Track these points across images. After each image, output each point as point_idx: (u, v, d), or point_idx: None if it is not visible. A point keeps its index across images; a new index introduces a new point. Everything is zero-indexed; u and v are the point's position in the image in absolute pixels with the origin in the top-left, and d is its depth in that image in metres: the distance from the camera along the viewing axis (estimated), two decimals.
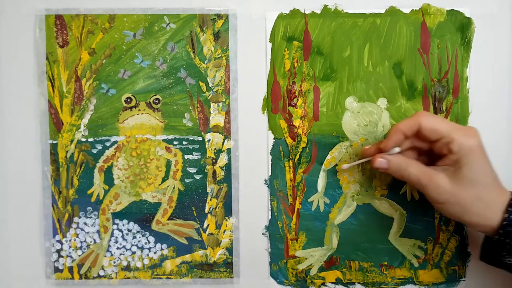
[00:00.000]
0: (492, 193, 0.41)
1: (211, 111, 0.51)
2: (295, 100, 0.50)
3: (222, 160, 0.51)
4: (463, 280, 0.51)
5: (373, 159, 0.44)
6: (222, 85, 0.51)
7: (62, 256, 0.52)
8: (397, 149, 0.43)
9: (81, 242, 0.52)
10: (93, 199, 0.51)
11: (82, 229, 0.52)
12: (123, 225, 0.52)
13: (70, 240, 0.52)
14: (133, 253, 0.52)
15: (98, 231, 0.52)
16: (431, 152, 0.44)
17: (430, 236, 0.51)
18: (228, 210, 0.51)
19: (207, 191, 0.51)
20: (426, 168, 0.42)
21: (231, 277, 0.52)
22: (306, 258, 0.51)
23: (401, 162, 0.43)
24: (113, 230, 0.52)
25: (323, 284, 0.51)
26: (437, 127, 0.41)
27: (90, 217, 0.52)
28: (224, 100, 0.51)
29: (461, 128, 0.41)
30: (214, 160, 0.51)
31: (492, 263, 0.43)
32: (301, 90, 0.50)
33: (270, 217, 0.51)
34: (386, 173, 0.50)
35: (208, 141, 0.51)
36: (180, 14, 0.50)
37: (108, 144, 0.51)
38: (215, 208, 0.51)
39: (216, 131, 0.51)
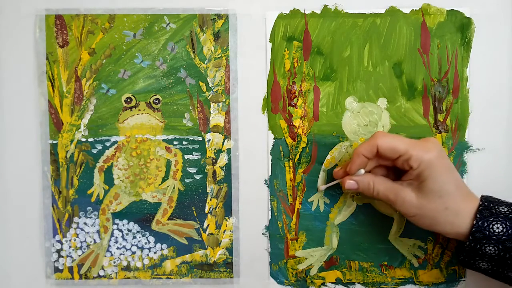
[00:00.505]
0: (458, 202, 0.42)
1: (211, 111, 0.51)
2: (295, 100, 0.50)
3: (222, 160, 0.51)
4: (463, 280, 0.51)
5: (343, 182, 0.46)
6: (222, 85, 0.51)
7: (62, 256, 0.52)
8: (362, 171, 0.45)
9: (81, 242, 0.52)
10: (93, 199, 0.51)
11: (82, 229, 0.52)
12: (123, 225, 0.52)
13: (70, 240, 0.52)
14: (133, 253, 0.52)
15: (98, 231, 0.52)
16: (396, 168, 0.45)
17: (430, 236, 0.51)
18: (228, 210, 0.51)
19: (207, 191, 0.51)
20: (392, 184, 0.44)
21: (231, 277, 0.52)
22: (306, 258, 0.51)
23: (369, 182, 0.45)
24: (113, 230, 0.52)
25: (323, 284, 0.51)
26: (394, 146, 0.42)
27: (90, 217, 0.52)
28: (224, 100, 0.51)
29: (418, 143, 0.42)
30: (214, 160, 0.51)
31: (468, 267, 0.44)
32: (301, 90, 0.50)
33: (270, 217, 0.51)
34: None
35: (208, 141, 0.51)
36: (180, 14, 0.50)
37: (108, 144, 0.51)
38: (215, 208, 0.51)
39: (216, 131, 0.51)
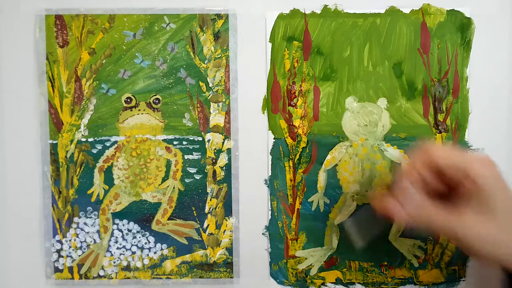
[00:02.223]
0: None
1: (211, 111, 0.51)
2: (295, 100, 0.50)
3: (222, 160, 0.51)
4: (463, 280, 0.51)
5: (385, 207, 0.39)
6: (222, 85, 0.51)
7: (62, 256, 0.52)
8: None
9: (81, 242, 0.52)
10: (93, 199, 0.51)
11: (82, 229, 0.52)
12: (123, 225, 0.52)
13: (70, 240, 0.52)
14: (133, 253, 0.52)
15: (98, 231, 0.52)
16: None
17: (430, 236, 0.51)
18: (228, 210, 0.51)
19: (207, 191, 0.51)
20: (451, 217, 0.37)
21: (231, 277, 0.52)
22: (306, 258, 0.51)
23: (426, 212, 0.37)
24: (113, 230, 0.52)
25: (323, 284, 0.51)
26: (453, 159, 0.36)
27: (90, 217, 0.52)
28: (224, 100, 0.51)
29: (476, 159, 0.37)
30: (214, 160, 0.51)
31: None
32: (301, 90, 0.50)
33: (270, 217, 0.51)
34: (386, 174, 0.50)
35: (208, 141, 0.51)
36: (180, 14, 0.50)
37: (108, 144, 0.51)
38: (215, 208, 0.51)
39: (216, 131, 0.51)
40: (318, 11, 0.50)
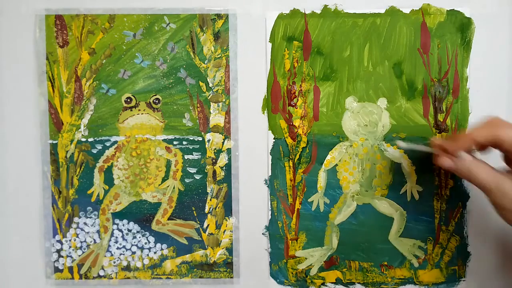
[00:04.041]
0: None
1: (211, 111, 0.51)
2: (295, 100, 0.50)
3: (222, 160, 0.51)
4: (463, 280, 0.51)
5: (438, 157, 0.43)
6: (222, 85, 0.51)
7: (62, 256, 0.52)
8: (463, 154, 0.41)
9: (81, 242, 0.52)
10: (93, 199, 0.51)
11: (82, 229, 0.52)
12: (123, 225, 0.52)
13: (70, 240, 0.52)
14: (133, 253, 0.52)
15: (98, 231, 0.52)
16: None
17: (430, 236, 0.51)
18: (228, 210, 0.51)
19: (207, 191, 0.51)
20: (495, 173, 0.40)
21: (231, 277, 0.52)
22: (306, 258, 0.51)
23: (469, 166, 0.41)
24: (113, 230, 0.52)
25: (323, 284, 0.51)
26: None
27: (90, 217, 0.52)
28: (224, 100, 0.51)
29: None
30: (214, 160, 0.51)
31: None
32: (301, 90, 0.50)
33: (270, 217, 0.51)
34: (386, 174, 0.50)
35: (208, 141, 0.51)
36: (180, 14, 0.50)
37: (108, 144, 0.51)
38: (215, 208, 0.51)
39: (216, 131, 0.51)
40: (318, 11, 0.50)
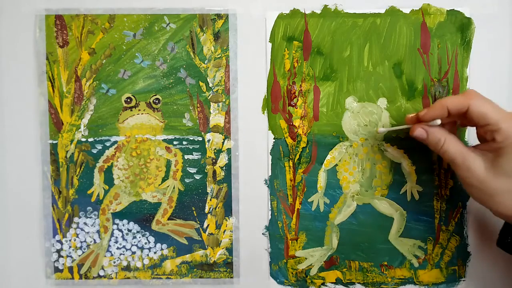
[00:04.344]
0: None
1: (211, 111, 0.51)
2: (295, 100, 0.50)
3: (222, 160, 0.51)
4: (463, 280, 0.51)
5: (413, 128, 0.44)
6: (222, 85, 0.51)
7: (62, 256, 0.52)
8: (438, 121, 0.42)
9: (81, 242, 0.52)
10: (93, 199, 0.51)
11: (82, 229, 0.52)
12: (123, 225, 0.52)
13: (70, 240, 0.52)
14: (133, 253, 0.52)
15: (98, 231, 0.52)
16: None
17: (430, 236, 0.51)
18: (228, 210, 0.51)
19: (207, 191, 0.51)
20: (463, 149, 0.42)
21: (231, 277, 0.52)
22: (306, 258, 0.51)
23: (440, 138, 0.42)
24: (113, 230, 0.52)
25: (323, 284, 0.51)
26: (486, 112, 0.39)
27: (90, 217, 0.52)
28: (224, 100, 0.51)
29: (510, 118, 0.39)
30: (214, 160, 0.51)
31: (508, 251, 0.43)
32: (301, 90, 0.50)
33: (270, 217, 0.51)
34: (386, 174, 0.50)
35: (208, 141, 0.51)
36: (180, 14, 0.50)
37: (108, 144, 0.51)
38: (215, 208, 0.51)
39: (216, 131, 0.51)
40: (318, 11, 0.50)
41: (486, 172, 0.41)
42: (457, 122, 0.45)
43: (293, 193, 0.51)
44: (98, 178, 0.51)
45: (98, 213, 0.51)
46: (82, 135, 0.51)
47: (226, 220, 0.51)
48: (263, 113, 0.51)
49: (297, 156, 0.51)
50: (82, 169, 0.51)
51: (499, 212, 0.41)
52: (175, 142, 0.51)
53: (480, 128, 0.41)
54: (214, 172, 0.51)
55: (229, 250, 0.51)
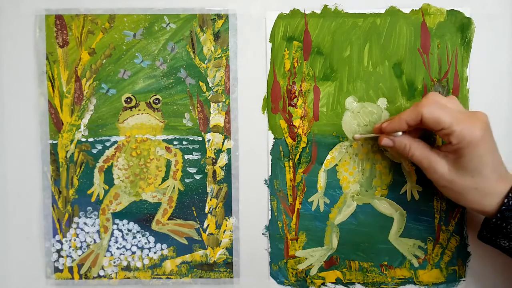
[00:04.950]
0: (491, 183, 0.42)
1: (211, 111, 0.51)
2: (295, 100, 0.50)
3: (222, 160, 0.51)
4: (463, 280, 0.51)
5: (380, 138, 0.46)
6: (222, 85, 0.51)
7: (62, 256, 0.52)
8: (399, 133, 0.44)
9: (81, 242, 0.52)
10: (93, 199, 0.51)
11: (82, 229, 0.52)
12: (123, 225, 0.52)
13: (70, 240, 0.52)
14: (133, 253, 0.52)
15: (98, 231, 0.52)
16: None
17: (430, 236, 0.51)
18: (228, 210, 0.51)
19: (207, 191, 0.51)
20: (428, 152, 0.44)
21: (231, 277, 0.52)
22: (306, 258, 0.51)
23: (405, 144, 0.45)
24: (113, 230, 0.52)
25: (323, 284, 0.51)
26: (438, 118, 0.41)
27: (90, 217, 0.52)
28: (224, 100, 0.51)
29: (463, 119, 0.41)
30: (214, 160, 0.51)
31: (488, 243, 0.45)
32: (301, 90, 0.50)
33: (270, 217, 0.51)
34: (386, 174, 0.50)
35: (208, 141, 0.51)
36: (180, 14, 0.50)
37: (108, 144, 0.51)
38: (215, 208, 0.51)
39: (216, 131, 0.51)
40: (318, 11, 0.50)
41: (450, 173, 0.43)
42: (421, 129, 0.46)
43: (293, 193, 0.51)
44: (98, 178, 0.51)
45: (98, 213, 0.51)
46: (82, 135, 0.51)
47: (226, 220, 0.51)
48: (263, 113, 0.51)
49: (297, 156, 0.51)
50: (82, 169, 0.51)
51: (471, 208, 0.44)
52: (175, 142, 0.51)
53: (438, 132, 0.42)
54: (214, 172, 0.51)
55: (229, 250, 0.51)
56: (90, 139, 0.51)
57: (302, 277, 0.51)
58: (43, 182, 0.51)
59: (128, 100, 0.51)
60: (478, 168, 0.41)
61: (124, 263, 0.52)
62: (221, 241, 0.51)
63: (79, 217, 0.52)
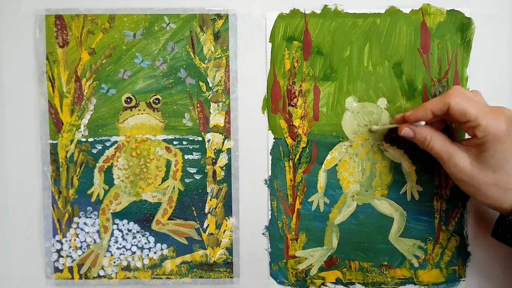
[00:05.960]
0: (511, 180, 0.41)
1: (211, 111, 0.51)
2: (295, 100, 0.50)
3: (222, 160, 0.51)
4: (463, 280, 0.51)
5: (400, 127, 0.45)
6: (222, 85, 0.51)
7: (62, 256, 0.52)
8: (422, 123, 0.44)
9: (81, 242, 0.52)
10: (93, 199, 0.51)
11: (82, 229, 0.52)
12: (123, 225, 0.52)
13: (70, 240, 0.52)
14: (133, 253, 0.52)
15: (98, 231, 0.52)
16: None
17: (430, 236, 0.51)
18: (228, 210, 0.51)
19: (207, 191, 0.51)
20: (449, 145, 0.43)
21: (231, 277, 0.52)
22: (306, 258, 0.51)
23: (426, 135, 0.44)
24: (113, 230, 0.52)
25: (323, 284, 0.51)
26: (465, 109, 0.40)
27: (90, 217, 0.52)
28: (224, 100, 0.51)
29: (490, 112, 0.40)
30: (214, 160, 0.51)
31: (502, 241, 0.44)
32: (301, 90, 0.50)
33: (270, 217, 0.51)
34: (386, 174, 0.50)
35: (208, 141, 0.51)
36: (180, 14, 0.50)
37: (108, 144, 0.51)
38: (215, 208, 0.51)
39: (216, 131, 0.51)
40: (318, 11, 0.50)
41: (472, 167, 0.42)
42: (445, 120, 0.46)
43: (293, 193, 0.51)
44: (98, 178, 0.51)
45: (98, 213, 0.51)
46: (82, 135, 0.51)
47: (226, 220, 0.51)
48: (263, 113, 0.51)
49: (297, 156, 0.51)
50: (82, 169, 0.51)
51: (488, 204, 0.43)
52: (175, 142, 0.51)
53: (463, 125, 0.42)
54: (214, 172, 0.51)
55: (229, 250, 0.51)
56: (90, 139, 0.51)
57: (302, 277, 0.51)
58: (43, 182, 0.51)
59: (128, 100, 0.51)
60: (501, 164, 0.41)
61: (124, 263, 0.52)
62: (221, 241, 0.51)
63: (79, 217, 0.52)
